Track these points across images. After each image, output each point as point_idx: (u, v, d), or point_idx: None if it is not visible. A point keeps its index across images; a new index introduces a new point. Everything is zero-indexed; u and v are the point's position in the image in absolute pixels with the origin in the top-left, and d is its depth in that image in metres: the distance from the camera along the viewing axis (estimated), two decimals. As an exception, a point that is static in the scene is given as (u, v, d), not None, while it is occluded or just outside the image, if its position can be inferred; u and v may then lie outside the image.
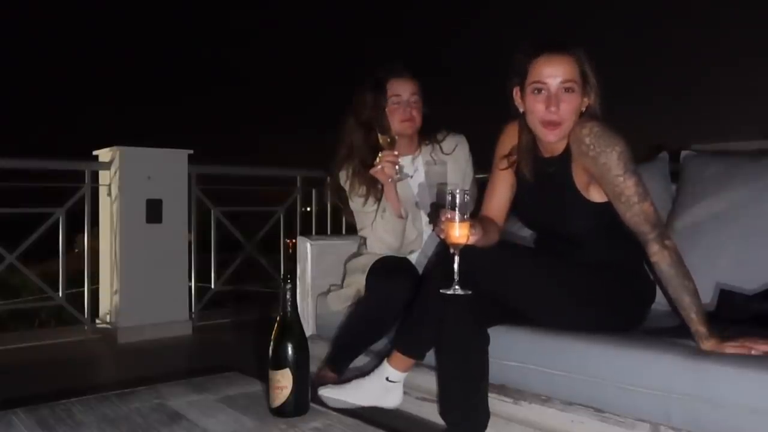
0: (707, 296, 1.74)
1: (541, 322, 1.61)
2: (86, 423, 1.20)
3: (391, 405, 1.71)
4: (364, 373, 1.75)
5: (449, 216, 1.43)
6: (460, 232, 1.43)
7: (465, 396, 1.52)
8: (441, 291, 1.48)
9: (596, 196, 1.57)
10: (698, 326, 1.37)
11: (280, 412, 1.22)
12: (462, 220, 1.43)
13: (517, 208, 1.76)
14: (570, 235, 1.63)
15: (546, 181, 1.64)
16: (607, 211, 1.54)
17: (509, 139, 1.73)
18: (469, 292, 1.46)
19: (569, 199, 1.59)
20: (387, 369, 1.67)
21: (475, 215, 1.70)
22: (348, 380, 1.75)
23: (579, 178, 1.57)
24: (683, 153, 2.05)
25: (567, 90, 1.51)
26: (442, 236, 1.46)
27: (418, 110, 2.12)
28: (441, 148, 2.19)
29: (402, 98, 2.10)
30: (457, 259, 1.45)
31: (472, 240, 1.49)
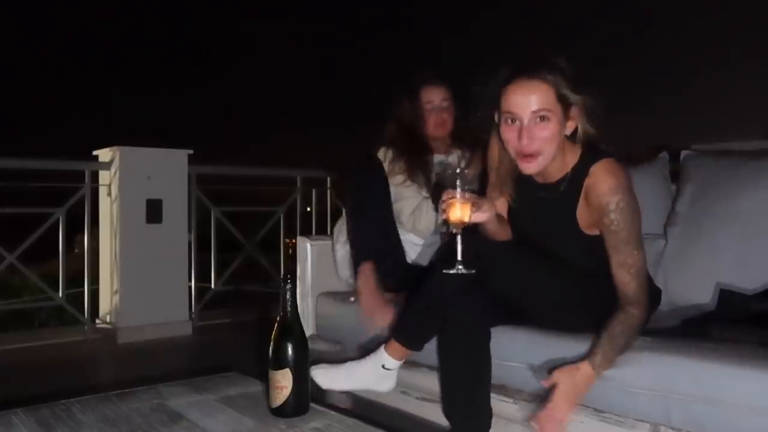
0: (707, 296, 1.74)
1: (543, 322, 1.60)
2: (86, 423, 1.20)
3: (384, 390, 1.70)
4: (358, 356, 1.73)
5: (450, 195, 1.42)
6: (461, 211, 1.41)
7: (470, 396, 1.52)
8: (444, 271, 1.45)
9: (596, 231, 1.51)
10: (596, 364, 1.37)
11: (280, 412, 1.22)
12: (463, 198, 1.41)
13: (510, 218, 1.70)
14: (563, 258, 1.58)
15: (540, 205, 1.58)
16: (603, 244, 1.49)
17: (496, 155, 1.65)
18: (473, 272, 1.43)
19: (566, 231, 1.54)
20: (383, 356, 1.65)
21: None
22: (342, 362, 1.73)
23: (583, 220, 1.52)
24: (683, 153, 2.05)
25: (541, 119, 1.42)
26: (444, 216, 1.44)
27: (449, 114, 2.27)
28: (468, 158, 2.28)
29: (434, 104, 2.26)
30: (459, 239, 1.42)
31: (482, 218, 1.48)
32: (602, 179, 1.45)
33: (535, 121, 1.43)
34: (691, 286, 1.80)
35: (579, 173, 1.50)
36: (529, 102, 1.42)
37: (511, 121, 1.45)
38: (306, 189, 4.48)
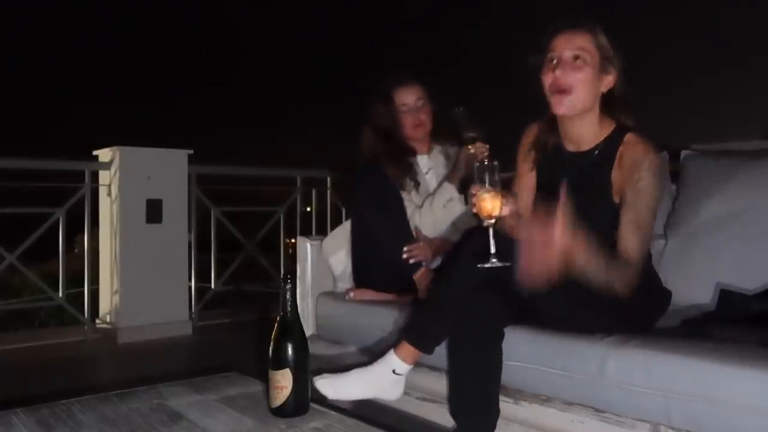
0: (707, 296, 1.75)
1: (556, 323, 1.58)
2: (86, 423, 1.20)
3: (394, 397, 1.65)
4: (363, 362, 1.70)
5: (480, 189, 1.42)
6: (492, 204, 1.42)
7: (479, 394, 1.51)
8: (479, 265, 1.44)
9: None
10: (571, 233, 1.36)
11: (280, 412, 1.22)
12: (493, 191, 1.42)
13: (533, 204, 1.72)
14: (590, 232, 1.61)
15: (573, 174, 1.60)
16: None
17: (531, 140, 1.73)
18: (508, 264, 1.42)
19: (595, 199, 1.57)
20: (394, 361, 1.60)
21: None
22: (346, 370, 1.69)
23: (615, 184, 1.55)
24: (683, 153, 2.05)
25: (576, 58, 1.53)
26: (474, 210, 1.44)
27: (426, 113, 2.25)
28: (449, 153, 2.31)
29: (409, 105, 2.23)
30: (491, 231, 1.43)
31: (506, 211, 1.48)
32: (637, 144, 1.54)
33: (572, 60, 1.53)
34: (691, 286, 1.80)
35: (613, 141, 1.58)
36: (569, 42, 1.54)
37: (551, 61, 1.55)
38: (306, 189, 4.48)
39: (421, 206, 2.20)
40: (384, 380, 1.62)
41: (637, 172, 1.50)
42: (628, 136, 1.56)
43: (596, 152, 1.59)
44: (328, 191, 4.60)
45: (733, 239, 1.78)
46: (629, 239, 1.48)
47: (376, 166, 2.19)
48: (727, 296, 1.64)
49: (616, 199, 1.55)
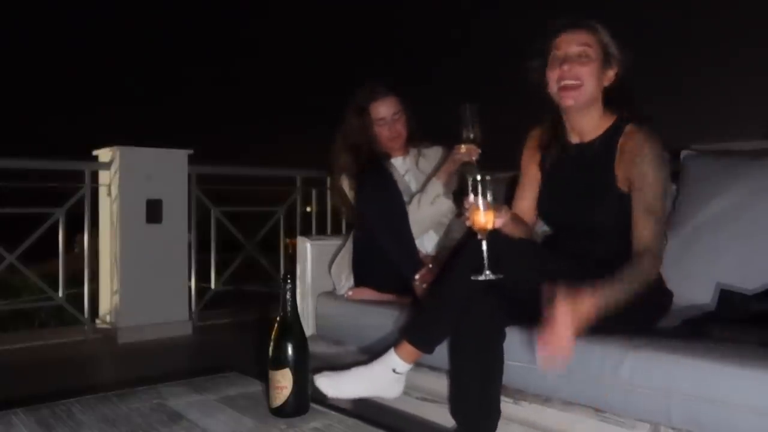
0: (707, 296, 1.74)
1: None
2: (86, 423, 1.20)
3: (393, 396, 1.66)
4: (363, 361, 1.69)
5: (472, 201, 1.43)
6: (485, 218, 1.42)
7: (480, 396, 1.51)
8: (472, 278, 1.45)
9: (627, 189, 1.61)
10: (597, 294, 1.37)
11: (280, 412, 1.22)
12: (486, 205, 1.43)
13: (538, 200, 1.78)
14: (592, 225, 1.64)
15: (574, 168, 1.68)
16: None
17: (535, 143, 1.78)
18: (501, 276, 1.44)
19: (601, 186, 1.62)
20: (394, 359, 1.61)
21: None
22: (346, 368, 1.68)
23: (619, 172, 1.60)
24: (683, 153, 2.05)
25: (581, 55, 1.59)
26: (468, 223, 1.45)
27: (402, 124, 2.26)
28: (424, 153, 2.34)
29: (386, 119, 2.22)
30: (485, 244, 1.44)
31: (498, 223, 1.50)
32: (636, 135, 1.59)
33: (577, 56, 1.59)
34: (691, 286, 1.80)
35: (614, 133, 1.63)
36: (573, 39, 1.60)
37: (556, 59, 1.61)
38: (306, 189, 4.48)
39: (409, 203, 2.19)
40: (384, 379, 1.62)
41: (639, 162, 1.55)
42: (628, 128, 1.61)
43: (597, 143, 1.65)
44: (328, 191, 4.60)
45: (733, 239, 1.77)
46: (644, 226, 1.53)
47: (380, 170, 2.19)
48: (727, 296, 1.64)
49: (623, 188, 1.60)
